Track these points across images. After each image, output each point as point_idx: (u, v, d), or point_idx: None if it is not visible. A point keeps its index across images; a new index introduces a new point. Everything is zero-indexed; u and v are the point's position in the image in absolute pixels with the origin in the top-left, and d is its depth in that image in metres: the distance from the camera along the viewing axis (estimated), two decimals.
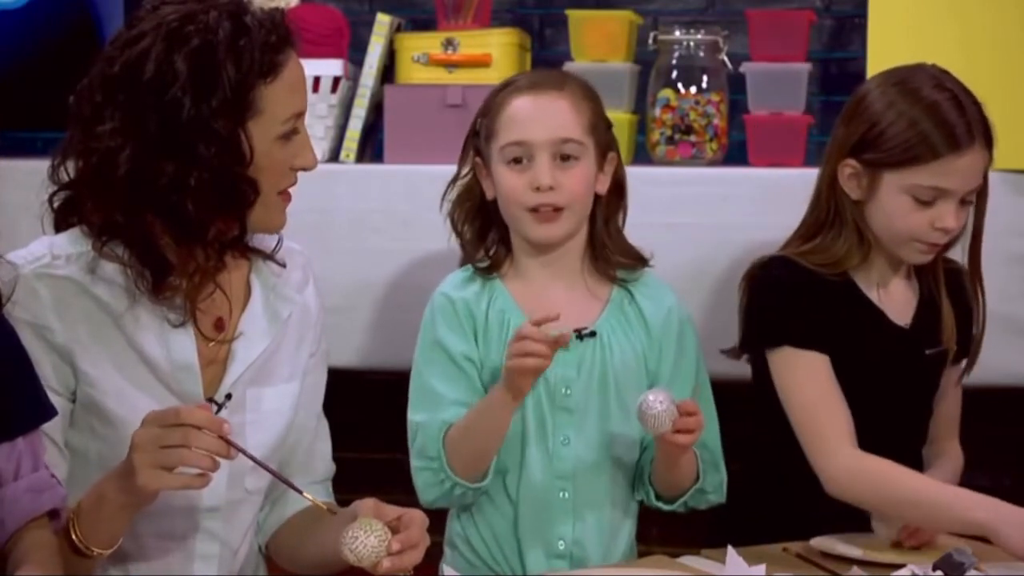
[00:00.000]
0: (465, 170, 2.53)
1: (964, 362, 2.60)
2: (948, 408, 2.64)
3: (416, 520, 1.99)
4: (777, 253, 2.54)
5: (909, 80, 2.46)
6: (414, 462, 2.43)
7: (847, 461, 2.40)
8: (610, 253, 2.49)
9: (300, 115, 2.11)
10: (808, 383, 2.47)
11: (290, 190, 2.16)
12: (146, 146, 2.03)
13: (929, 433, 2.62)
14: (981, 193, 2.51)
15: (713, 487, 2.49)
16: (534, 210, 2.43)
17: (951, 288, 2.57)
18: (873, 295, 2.53)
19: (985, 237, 2.72)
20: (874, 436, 2.43)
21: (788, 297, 2.49)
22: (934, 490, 2.37)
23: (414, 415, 2.45)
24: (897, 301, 2.55)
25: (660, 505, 2.50)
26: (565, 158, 2.43)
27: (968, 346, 2.59)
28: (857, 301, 2.51)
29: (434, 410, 2.42)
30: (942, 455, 2.61)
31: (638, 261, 2.51)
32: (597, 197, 2.49)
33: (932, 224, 2.44)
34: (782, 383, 2.48)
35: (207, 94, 2.02)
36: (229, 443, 1.93)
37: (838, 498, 2.40)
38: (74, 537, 1.98)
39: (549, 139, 2.42)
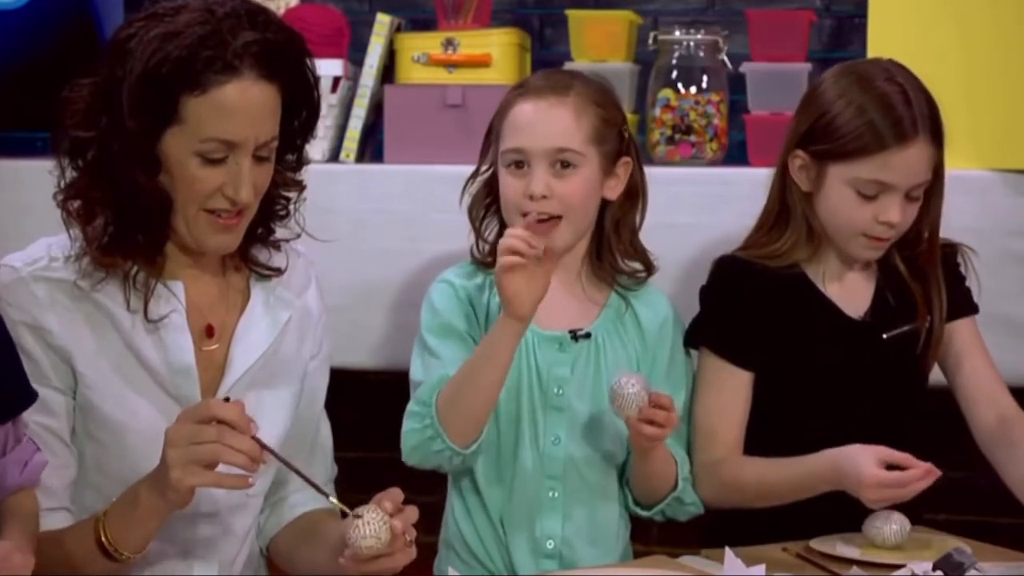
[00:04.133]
0: (484, 166, 2.52)
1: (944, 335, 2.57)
2: (977, 372, 2.57)
3: (391, 490, 1.98)
4: (730, 252, 2.56)
5: (863, 71, 2.48)
6: (408, 407, 2.41)
7: (726, 475, 2.48)
8: (615, 258, 2.49)
9: (230, 144, 2.05)
10: (717, 390, 2.52)
11: (236, 215, 2.11)
12: (87, 112, 2.05)
13: (978, 410, 2.56)
14: (936, 189, 2.51)
15: (692, 499, 2.49)
16: (527, 216, 2.44)
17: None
18: (826, 288, 2.54)
19: (985, 237, 2.73)
20: (846, 429, 2.43)
21: (720, 302, 2.53)
22: (792, 477, 2.43)
23: (417, 375, 2.45)
24: (852, 292, 2.56)
25: (638, 511, 2.50)
26: (564, 165, 2.42)
27: (963, 305, 2.59)
28: (806, 295, 2.53)
29: (438, 368, 2.41)
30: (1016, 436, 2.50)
31: (644, 268, 2.51)
32: (606, 202, 2.49)
33: (876, 218, 2.45)
34: (698, 381, 2.53)
35: (125, 78, 2.01)
36: (258, 442, 1.93)
37: (711, 506, 2.51)
38: (103, 540, 1.98)
39: (545, 148, 2.42)
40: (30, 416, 2.03)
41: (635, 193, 2.50)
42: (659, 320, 2.52)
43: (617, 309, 2.51)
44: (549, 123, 2.42)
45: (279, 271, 2.23)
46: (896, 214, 2.45)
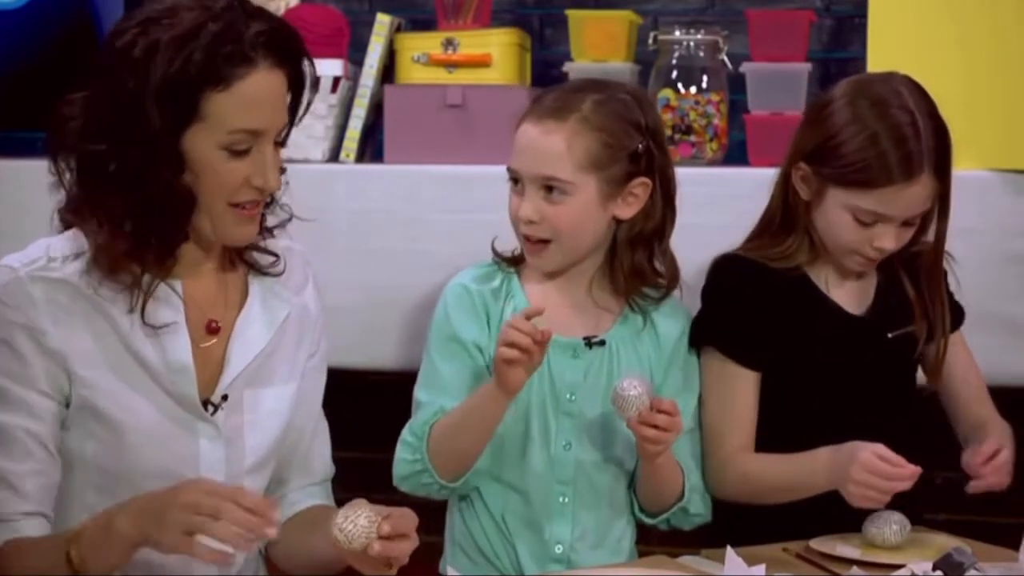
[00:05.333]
0: None
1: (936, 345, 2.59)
2: (963, 386, 2.61)
3: (407, 512, 1.99)
4: (731, 251, 2.57)
5: (877, 96, 2.46)
6: (403, 434, 2.44)
7: (734, 472, 2.49)
8: (626, 273, 2.47)
9: (256, 133, 2.07)
10: (725, 391, 2.52)
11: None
12: (94, 125, 2.05)
13: (962, 416, 2.60)
14: (941, 212, 2.51)
15: (698, 510, 2.48)
16: (523, 237, 2.45)
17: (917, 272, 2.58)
18: (827, 288, 2.55)
19: (985, 237, 2.74)
20: (846, 427, 2.43)
21: (726, 302, 2.53)
22: (792, 471, 2.46)
23: (419, 393, 2.47)
24: (854, 292, 2.57)
25: (643, 518, 2.50)
26: (555, 191, 2.41)
27: (955, 317, 2.61)
28: (809, 295, 2.54)
29: (439, 393, 2.43)
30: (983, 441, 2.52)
31: (665, 285, 2.50)
32: (620, 221, 2.46)
33: (870, 242, 2.47)
34: (704, 381, 2.54)
35: (143, 86, 2.02)
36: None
37: (724, 500, 2.52)
38: (73, 560, 1.96)
39: (532, 175, 2.42)
40: (13, 419, 2.04)
41: (649, 214, 2.46)
42: (677, 331, 2.51)
43: (633, 318, 2.50)
44: (539, 150, 2.42)
45: (275, 257, 2.22)
46: (891, 242, 2.47)
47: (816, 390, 2.51)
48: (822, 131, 2.48)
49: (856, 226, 2.46)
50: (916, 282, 2.57)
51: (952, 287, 2.63)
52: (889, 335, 2.54)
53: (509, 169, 2.46)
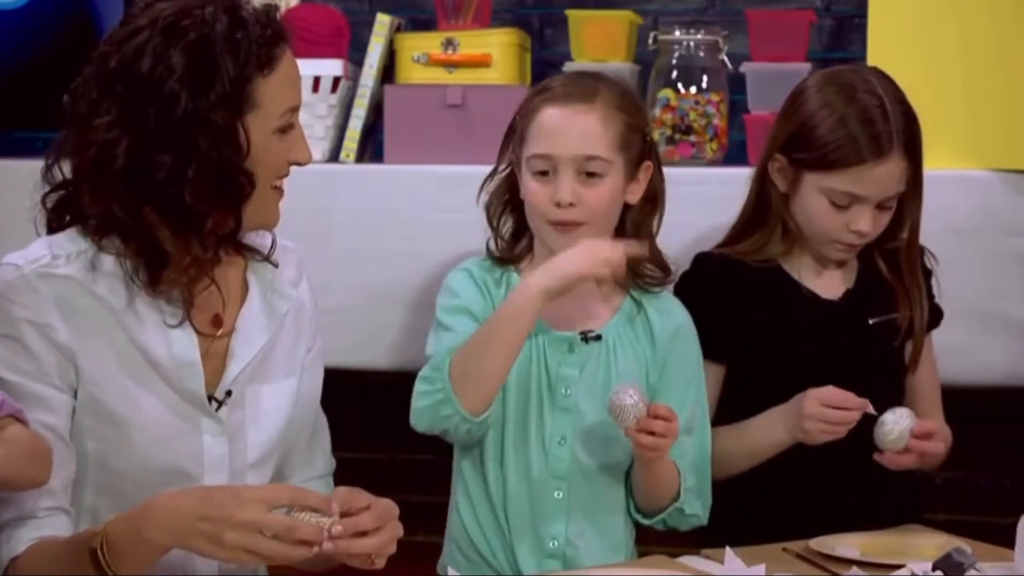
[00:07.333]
0: (503, 165, 2.52)
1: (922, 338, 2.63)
2: (921, 384, 2.65)
3: (380, 508, 1.98)
4: (706, 250, 2.61)
5: (845, 82, 2.52)
6: (420, 372, 2.41)
7: None
8: (633, 263, 2.47)
9: (295, 109, 2.13)
10: None
11: (289, 189, 2.17)
12: (144, 138, 2.04)
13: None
14: (913, 198, 2.55)
15: (694, 510, 2.48)
16: (555, 223, 2.44)
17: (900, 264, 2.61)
18: (802, 278, 2.59)
19: (985, 237, 2.74)
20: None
21: (694, 298, 2.54)
22: (748, 433, 2.53)
23: (429, 349, 2.45)
24: (830, 279, 2.60)
25: (639, 518, 2.50)
26: (589, 175, 2.42)
27: (932, 317, 2.64)
28: (782, 285, 2.58)
29: (450, 340, 2.41)
30: None
31: (660, 273, 2.51)
32: (628, 206, 2.48)
33: (847, 227, 2.51)
34: None
35: (205, 87, 2.04)
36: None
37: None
38: (103, 565, 1.95)
39: (573, 156, 2.41)
40: (32, 415, 2.04)
41: (655, 197, 2.49)
42: (672, 328, 2.51)
43: (630, 313, 2.50)
44: (577, 130, 2.42)
45: (270, 256, 2.23)
46: (867, 224, 2.50)
47: (797, 379, 2.53)
48: (795, 120, 2.54)
49: (833, 210, 2.50)
50: (896, 271, 2.60)
51: (934, 289, 2.64)
52: (871, 321, 2.57)
53: (536, 157, 2.43)
